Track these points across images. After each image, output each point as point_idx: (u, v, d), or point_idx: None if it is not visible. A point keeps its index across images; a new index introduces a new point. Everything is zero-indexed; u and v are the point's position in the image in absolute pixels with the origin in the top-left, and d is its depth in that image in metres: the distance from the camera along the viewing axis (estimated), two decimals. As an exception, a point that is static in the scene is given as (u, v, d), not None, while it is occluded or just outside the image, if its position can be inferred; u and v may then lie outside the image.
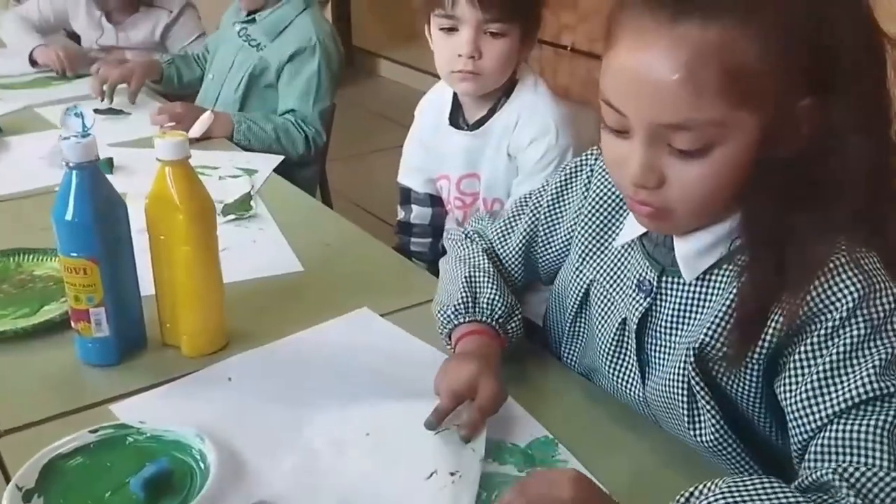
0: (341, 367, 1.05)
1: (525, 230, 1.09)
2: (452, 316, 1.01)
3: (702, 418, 0.85)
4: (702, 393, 0.85)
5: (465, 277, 1.03)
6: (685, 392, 0.86)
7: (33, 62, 2.36)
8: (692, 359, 0.84)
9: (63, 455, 0.88)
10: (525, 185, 1.40)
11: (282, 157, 1.78)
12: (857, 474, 0.71)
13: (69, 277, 1.01)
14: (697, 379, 0.84)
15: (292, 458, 0.89)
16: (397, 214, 1.66)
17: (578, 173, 1.04)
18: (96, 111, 1.88)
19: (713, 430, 0.85)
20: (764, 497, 0.70)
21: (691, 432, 0.87)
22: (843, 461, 0.72)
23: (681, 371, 0.85)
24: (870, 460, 0.72)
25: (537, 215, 1.08)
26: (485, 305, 1.01)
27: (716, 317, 0.83)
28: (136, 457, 0.88)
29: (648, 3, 0.74)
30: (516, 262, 1.10)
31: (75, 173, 0.98)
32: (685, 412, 0.86)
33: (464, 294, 1.02)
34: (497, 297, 1.01)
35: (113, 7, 2.46)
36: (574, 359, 1.05)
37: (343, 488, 0.85)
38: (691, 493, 0.73)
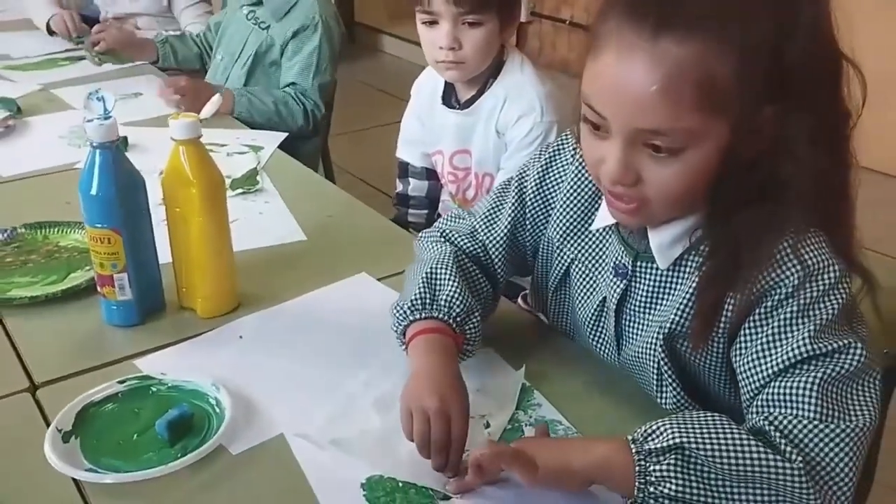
0: (339, 326, 1.16)
1: (511, 213, 1.08)
2: (408, 311, 0.99)
3: (665, 388, 0.96)
4: (665, 368, 0.95)
5: (426, 274, 1.01)
6: (654, 365, 0.96)
7: (51, 32, 2.49)
8: (661, 340, 0.93)
9: (95, 402, 0.99)
10: (513, 159, 1.50)
11: (285, 134, 1.88)
12: (784, 422, 0.80)
13: (95, 246, 1.12)
14: (664, 357, 0.94)
15: (300, 404, 1.00)
16: (395, 187, 1.77)
17: (563, 149, 1.07)
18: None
19: (674, 399, 0.95)
20: (713, 428, 0.80)
21: (657, 398, 0.97)
22: (773, 413, 0.82)
23: (651, 347, 0.95)
24: (799, 412, 0.80)
25: (523, 198, 1.08)
26: (443, 302, 0.98)
27: (684, 300, 0.92)
28: (160, 404, 0.99)
29: (630, 19, 0.80)
30: (501, 247, 1.08)
31: (98, 152, 1.08)
32: (654, 380, 0.97)
33: (421, 290, 0.99)
34: (457, 295, 0.99)
35: None
36: (558, 319, 1.13)
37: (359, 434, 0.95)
38: (651, 427, 0.82)
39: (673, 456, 0.79)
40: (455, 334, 0.98)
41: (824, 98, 0.82)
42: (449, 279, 1.00)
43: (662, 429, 0.81)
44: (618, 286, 0.99)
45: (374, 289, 1.25)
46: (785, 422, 0.80)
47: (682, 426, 0.80)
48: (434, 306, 0.99)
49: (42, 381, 1.05)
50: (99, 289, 1.15)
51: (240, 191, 1.56)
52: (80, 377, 1.06)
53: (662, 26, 0.78)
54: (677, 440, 0.79)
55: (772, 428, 0.81)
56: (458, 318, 0.99)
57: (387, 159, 2.57)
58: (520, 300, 1.25)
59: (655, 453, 0.80)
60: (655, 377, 0.96)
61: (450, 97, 1.58)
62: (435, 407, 0.87)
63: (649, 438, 0.81)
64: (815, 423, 0.79)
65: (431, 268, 1.02)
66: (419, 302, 0.99)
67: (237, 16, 2.24)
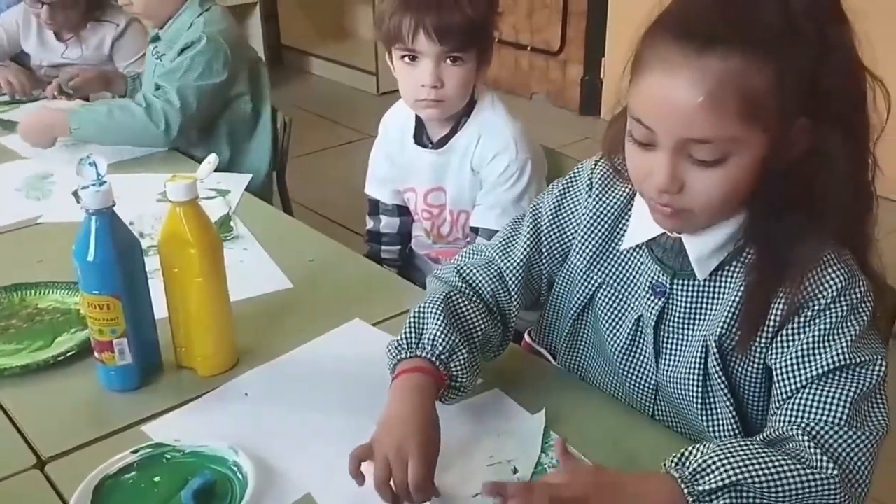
0: (344, 375, 1.17)
1: (526, 242, 1.12)
2: (395, 351, 1.03)
3: (716, 405, 1.00)
4: (717, 379, 0.99)
5: (414, 313, 1.05)
6: (700, 381, 1.00)
7: None
8: (715, 350, 0.98)
9: (110, 475, 0.98)
10: (489, 196, 1.53)
11: (249, 176, 1.86)
12: (816, 427, 0.88)
13: (92, 312, 1.10)
14: (717, 368, 0.98)
15: (316, 460, 1.01)
16: (366, 224, 1.77)
17: (576, 182, 1.11)
18: None
19: (727, 410, 0.99)
20: (760, 458, 0.85)
21: (704, 420, 1.01)
22: (806, 418, 0.89)
23: (698, 362, 0.99)
24: (832, 417, 0.88)
25: (538, 231, 1.13)
26: (426, 341, 1.01)
27: (729, 309, 0.97)
28: (178, 472, 0.98)
29: (677, 38, 0.86)
30: (518, 272, 1.12)
31: (94, 218, 1.07)
32: (699, 400, 1.01)
33: (408, 329, 1.04)
34: (439, 333, 1.01)
35: (62, 26, 2.49)
36: (570, 359, 1.16)
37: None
38: (682, 454, 0.87)
39: (728, 495, 0.84)
40: (438, 372, 1.00)
41: (852, 113, 0.90)
42: (434, 317, 1.03)
43: (713, 466, 0.85)
44: (655, 304, 1.03)
45: (371, 335, 1.26)
46: (818, 428, 0.87)
47: (733, 461, 0.85)
48: (419, 345, 1.02)
49: (49, 455, 1.03)
50: (97, 355, 1.13)
51: (216, 239, 1.54)
52: (89, 448, 1.04)
53: (706, 44, 0.84)
54: (732, 478, 0.83)
55: (803, 433, 0.87)
56: (442, 356, 1.01)
57: (331, 186, 2.53)
58: (526, 336, 1.28)
59: (709, 493, 0.84)
60: (701, 396, 1.00)
61: (421, 135, 1.60)
62: (393, 454, 0.90)
63: (699, 477, 0.85)
64: (846, 429, 0.87)
65: (421, 307, 1.06)
66: (405, 341, 1.03)
67: (148, 52, 2.23)
